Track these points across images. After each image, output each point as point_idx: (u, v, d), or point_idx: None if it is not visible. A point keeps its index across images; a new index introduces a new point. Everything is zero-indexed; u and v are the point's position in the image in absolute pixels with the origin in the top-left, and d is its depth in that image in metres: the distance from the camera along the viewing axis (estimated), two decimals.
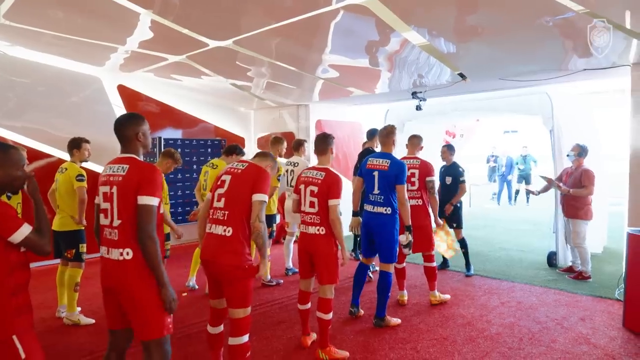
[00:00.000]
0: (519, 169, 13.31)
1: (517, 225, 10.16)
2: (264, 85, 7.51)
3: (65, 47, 5.99)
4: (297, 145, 6.21)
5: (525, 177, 13.32)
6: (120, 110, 7.56)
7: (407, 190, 4.97)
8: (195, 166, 8.18)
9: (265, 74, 6.65)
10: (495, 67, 5.74)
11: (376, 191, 4.32)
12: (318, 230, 3.69)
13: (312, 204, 3.71)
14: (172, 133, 8.35)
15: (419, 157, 5.16)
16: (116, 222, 2.44)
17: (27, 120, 6.70)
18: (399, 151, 7.65)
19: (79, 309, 4.67)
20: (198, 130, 8.76)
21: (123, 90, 7.65)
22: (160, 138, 7.68)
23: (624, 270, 4.58)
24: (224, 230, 2.98)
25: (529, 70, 5.65)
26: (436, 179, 5.29)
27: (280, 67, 6.06)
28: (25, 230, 2.09)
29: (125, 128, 2.56)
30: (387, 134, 4.46)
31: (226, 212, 3.00)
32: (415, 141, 5.24)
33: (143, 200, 2.39)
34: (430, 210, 5.13)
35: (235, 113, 9.46)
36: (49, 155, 6.83)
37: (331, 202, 3.65)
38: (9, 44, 6.14)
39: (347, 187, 4.81)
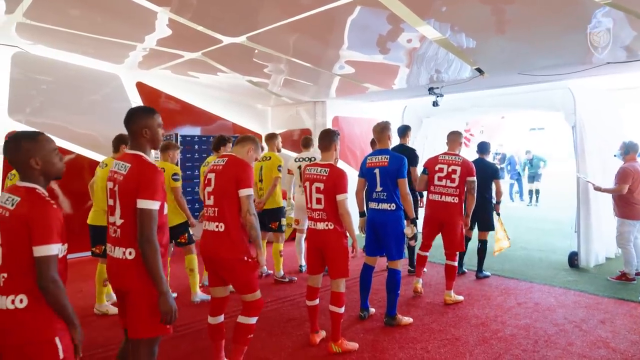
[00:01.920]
0: (529, 170, 13.47)
1: (541, 224, 9.91)
2: (281, 82, 7.50)
3: (85, 45, 6.11)
4: (306, 143, 6.19)
5: (534, 176, 13.38)
6: None
7: (445, 186, 4.95)
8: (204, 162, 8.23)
9: (282, 71, 6.64)
10: (515, 61, 5.56)
11: (379, 188, 4.28)
12: (327, 225, 3.72)
13: (318, 201, 3.73)
14: (190, 130, 8.43)
15: (461, 155, 5.07)
16: (119, 221, 2.42)
17: (49, 117, 6.86)
18: (424, 146, 7.58)
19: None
20: (216, 127, 8.82)
21: (142, 87, 7.77)
22: (177, 134, 7.76)
23: None
24: (217, 226, 3.16)
25: (551, 64, 5.47)
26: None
27: (296, 64, 6.04)
28: (53, 249, 1.99)
29: (132, 122, 2.49)
30: (382, 129, 4.40)
31: (216, 209, 3.18)
32: (454, 137, 5.15)
33: (142, 204, 2.32)
34: (463, 209, 5.01)
35: (252, 110, 9.50)
36: (69, 152, 6.98)
37: (339, 197, 3.67)
38: (31, 43, 6.30)
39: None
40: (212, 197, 3.22)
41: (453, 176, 4.91)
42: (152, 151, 4.99)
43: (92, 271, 4.88)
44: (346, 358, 3.71)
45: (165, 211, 2.48)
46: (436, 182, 5.01)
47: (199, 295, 5.08)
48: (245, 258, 3.15)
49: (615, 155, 5.85)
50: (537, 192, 13.40)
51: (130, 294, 2.39)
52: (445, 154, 5.10)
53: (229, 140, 5.55)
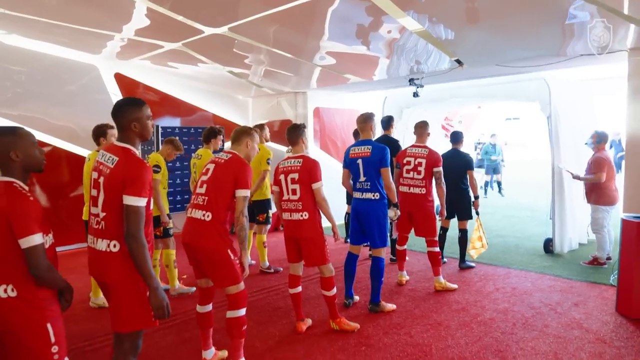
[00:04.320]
0: (489, 159, 12.59)
1: (516, 211, 10.17)
2: (261, 73, 7.48)
3: (61, 35, 5.96)
4: None
5: (494, 168, 12.68)
6: (117, 98, 7.53)
7: (412, 178, 5.06)
8: (193, 154, 8.17)
9: (263, 61, 6.62)
10: (493, 52, 5.69)
11: (362, 178, 4.37)
12: (302, 215, 3.82)
13: (294, 191, 3.83)
14: (170, 121, 8.34)
15: (428, 147, 5.17)
16: (102, 214, 2.36)
17: (25, 109, 6.70)
18: (404, 136, 7.72)
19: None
20: (196, 118, 8.75)
21: (120, 78, 7.63)
22: (157, 126, 7.68)
23: (617, 256, 4.60)
24: (204, 215, 3.11)
25: (527, 56, 5.61)
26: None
27: (276, 54, 6.03)
28: (37, 239, 2.07)
29: (120, 115, 2.42)
30: (365, 120, 4.49)
31: (206, 198, 3.13)
32: (421, 129, 5.25)
33: (128, 200, 2.28)
34: (431, 198, 5.11)
35: (233, 101, 9.44)
36: (46, 144, 6.84)
37: (314, 185, 3.79)
38: (4, 32, 6.12)
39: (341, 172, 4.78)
40: (205, 185, 3.18)
41: (419, 168, 5.05)
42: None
43: (77, 264, 4.84)
44: (332, 344, 3.79)
45: (151, 205, 2.48)
46: (404, 174, 5.14)
47: (178, 288, 4.99)
48: (229, 251, 3.11)
49: (586, 144, 6.02)
50: (499, 183, 12.77)
51: (114, 287, 2.36)
52: (412, 146, 5.23)
53: (220, 132, 5.56)
